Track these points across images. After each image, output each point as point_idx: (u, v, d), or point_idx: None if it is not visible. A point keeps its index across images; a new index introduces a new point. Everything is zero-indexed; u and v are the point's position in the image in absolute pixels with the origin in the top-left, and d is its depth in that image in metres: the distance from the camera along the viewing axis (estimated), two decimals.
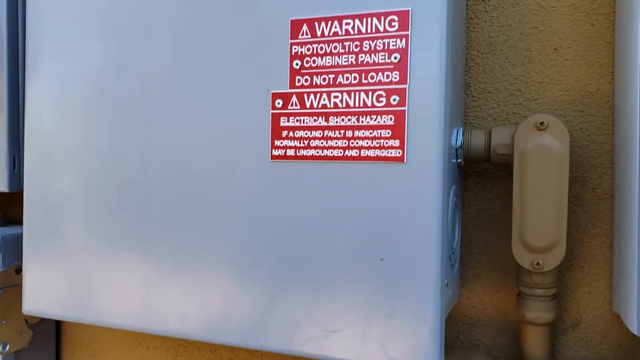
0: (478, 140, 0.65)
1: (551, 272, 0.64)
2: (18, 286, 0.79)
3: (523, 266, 0.63)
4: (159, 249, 0.65)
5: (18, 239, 0.79)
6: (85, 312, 0.69)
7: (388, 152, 0.55)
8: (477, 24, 0.71)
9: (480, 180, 0.72)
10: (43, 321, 0.87)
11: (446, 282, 0.59)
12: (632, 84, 0.57)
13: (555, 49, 0.68)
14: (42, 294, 0.71)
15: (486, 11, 0.71)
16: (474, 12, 0.71)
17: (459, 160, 0.65)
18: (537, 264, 0.62)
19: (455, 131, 0.64)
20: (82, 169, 0.69)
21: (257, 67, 0.60)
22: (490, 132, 0.65)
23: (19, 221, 0.88)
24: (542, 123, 0.60)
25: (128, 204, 0.66)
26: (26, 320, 0.82)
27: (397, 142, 0.55)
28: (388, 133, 0.55)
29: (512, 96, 0.70)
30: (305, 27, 0.58)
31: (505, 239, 0.70)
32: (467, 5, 0.71)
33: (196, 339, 0.65)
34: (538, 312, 0.65)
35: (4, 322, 0.78)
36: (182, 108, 0.63)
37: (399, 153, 0.55)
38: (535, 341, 0.67)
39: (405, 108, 0.55)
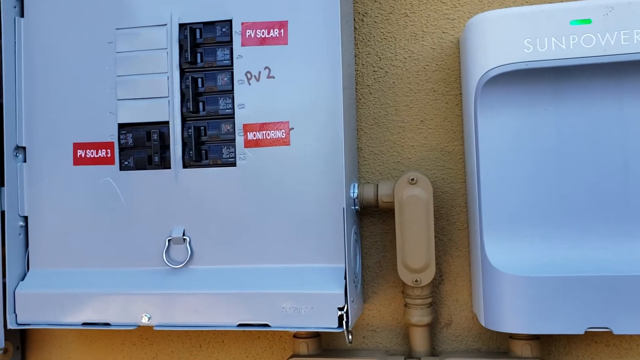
0: (369, 192, 0.87)
1: (427, 286, 0.87)
2: None
3: (406, 283, 0.86)
4: None
5: None
6: None
7: None
8: (364, 103, 0.94)
9: (373, 220, 0.94)
10: None
11: (352, 299, 0.81)
12: (472, 145, 0.82)
13: (422, 121, 0.93)
14: None
15: (370, 93, 0.94)
16: (361, 94, 0.94)
17: (357, 207, 0.87)
18: (416, 280, 0.85)
19: (352, 186, 0.86)
20: None
21: None
22: (377, 186, 0.87)
23: None
24: (412, 179, 0.84)
25: None
26: None
27: None
28: None
29: (392, 156, 0.93)
30: None
31: (393, 263, 0.93)
32: (356, 89, 0.94)
33: None
34: (419, 317, 0.87)
35: None
36: None
37: None
38: (419, 339, 0.89)
39: None
